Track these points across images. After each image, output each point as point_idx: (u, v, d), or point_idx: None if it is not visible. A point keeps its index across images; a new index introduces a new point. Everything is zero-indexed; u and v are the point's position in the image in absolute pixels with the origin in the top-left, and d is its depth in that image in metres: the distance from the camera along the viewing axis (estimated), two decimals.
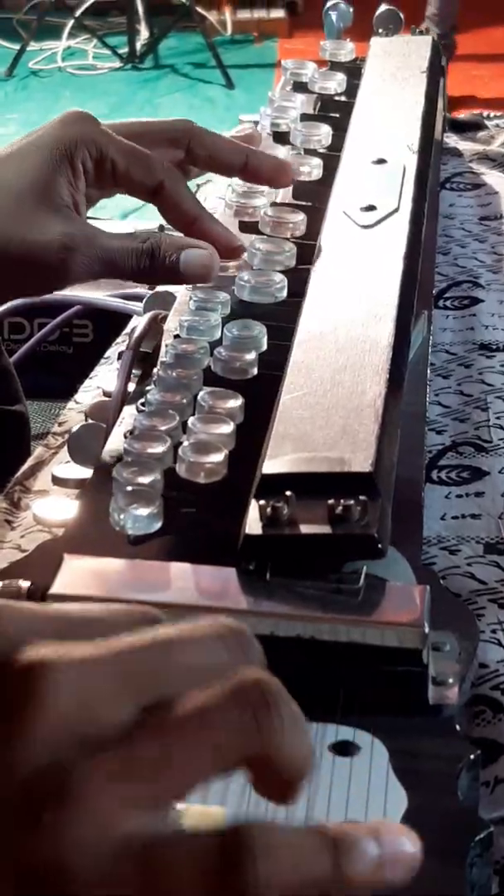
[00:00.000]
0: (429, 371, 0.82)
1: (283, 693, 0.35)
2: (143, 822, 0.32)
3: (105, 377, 0.80)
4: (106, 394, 0.72)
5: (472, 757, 0.50)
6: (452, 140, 1.22)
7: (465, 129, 1.24)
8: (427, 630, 0.52)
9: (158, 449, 0.60)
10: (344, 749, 0.50)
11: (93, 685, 0.33)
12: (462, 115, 1.27)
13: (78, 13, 4.10)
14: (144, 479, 0.57)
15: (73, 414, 0.82)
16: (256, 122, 0.94)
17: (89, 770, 0.32)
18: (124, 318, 0.96)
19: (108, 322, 0.99)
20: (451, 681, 0.53)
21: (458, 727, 0.52)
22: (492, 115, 1.26)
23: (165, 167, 0.73)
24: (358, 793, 0.48)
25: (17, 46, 4.06)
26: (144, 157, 0.73)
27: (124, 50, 4.10)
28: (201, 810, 0.45)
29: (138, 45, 4.10)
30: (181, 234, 0.74)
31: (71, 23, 4.11)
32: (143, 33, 4.13)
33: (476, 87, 3.47)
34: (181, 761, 0.33)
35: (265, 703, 0.34)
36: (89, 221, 0.71)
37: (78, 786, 0.31)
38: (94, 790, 0.32)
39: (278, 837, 0.34)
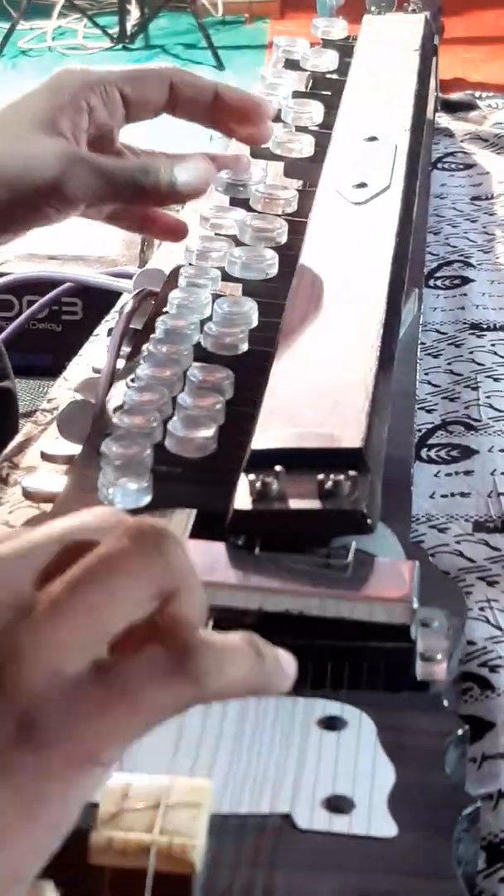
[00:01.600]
0: (419, 350, 0.82)
1: (172, 531, 0.39)
2: (88, 657, 0.37)
3: (94, 354, 0.79)
4: (95, 370, 0.72)
5: (459, 732, 0.50)
6: (444, 120, 1.22)
7: (458, 109, 1.24)
8: (415, 606, 0.52)
9: (148, 423, 0.59)
10: (332, 724, 0.50)
11: (3, 569, 0.38)
12: (454, 95, 1.27)
13: None
14: (133, 454, 0.57)
15: (62, 391, 0.81)
16: None
17: (28, 627, 0.36)
18: (113, 295, 0.96)
19: (98, 300, 0.99)
20: (439, 657, 0.53)
21: (445, 703, 0.52)
22: (484, 95, 1.25)
23: (169, 68, 0.74)
24: (345, 767, 0.48)
25: (6, 26, 4.04)
26: (145, 73, 0.73)
27: (115, 30, 4.08)
28: (189, 783, 0.45)
29: (129, 26, 4.08)
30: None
31: (61, 2, 4.09)
32: (134, 13, 4.11)
33: (466, 69, 3.46)
34: (102, 599, 0.37)
35: (158, 533, 0.39)
36: None
37: (21, 642, 0.36)
38: (35, 641, 0.36)
39: (213, 639, 0.39)
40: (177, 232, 0.74)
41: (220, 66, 3.82)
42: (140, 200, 0.71)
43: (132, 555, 0.38)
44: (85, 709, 0.36)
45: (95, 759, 0.37)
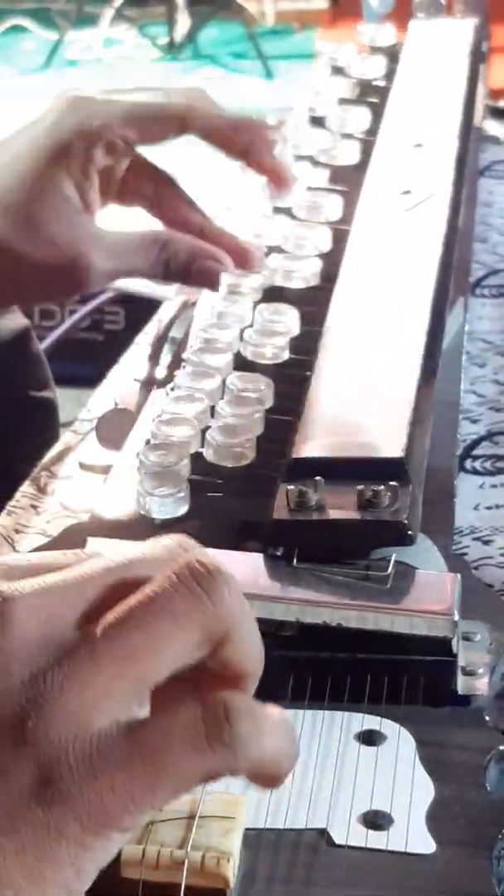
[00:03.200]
0: (464, 359, 0.81)
1: (224, 569, 0.37)
2: (120, 712, 0.34)
3: (135, 363, 0.79)
4: (135, 379, 0.71)
5: (501, 748, 0.49)
6: (493, 127, 1.21)
7: None
8: (457, 619, 0.51)
9: (185, 433, 0.59)
10: (370, 738, 0.49)
11: (51, 602, 0.35)
12: (503, 101, 1.26)
13: (117, 3, 4.10)
14: (171, 463, 0.56)
15: (102, 400, 0.81)
16: (291, 108, 0.93)
17: (59, 674, 0.34)
18: (156, 304, 0.95)
19: (140, 309, 0.99)
20: (480, 671, 0.52)
21: (487, 718, 0.51)
22: None
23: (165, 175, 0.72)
24: (384, 782, 0.47)
25: (55, 36, 4.06)
26: (155, 110, 0.70)
27: (164, 40, 4.09)
28: (223, 797, 0.44)
29: (178, 35, 4.10)
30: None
31: (111, 13, 4.11)
32: (183, 23, 4.12)
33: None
34: (141, 645, 0.34)
35: (206, 572, 0.36)
36: None
37: (51, 690, 0.34)
38: (65, 691, 0.34)
39: (255, 706, 0.36)
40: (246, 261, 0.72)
41: (269, 75, 3.82)
42: (161, 280, 0.71)
43: (178, 596, 0.35)
44: (108, 769, 0.33)
45: (113, 825, 0.34)
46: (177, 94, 0.74)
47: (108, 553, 0.37)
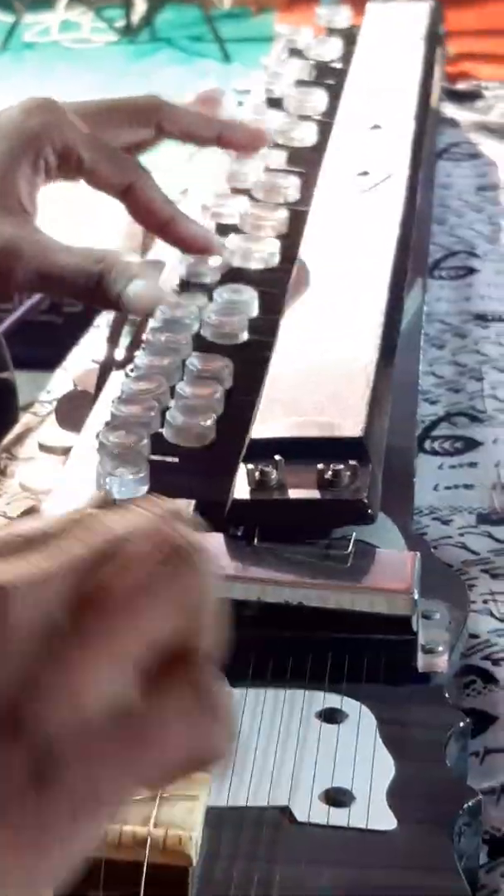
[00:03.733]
0: (423, 341, 0.81)
1: (202, 545, 0.36)
2: (111, 695, 0.34)
3: (93, 345, 0.79)
4: (94, 361, 0.71)
5: (461, 725, 0.50)
6: (450, 110, 1.21)
7: (464, 98, 1.23)
8: (417, 597, 0.52)
9: (145, 412, 0.59)
10: (331, 716, 0.49)
11: (44, 589, 0.34)
12: (460, 84, 1.26)
13: None
14: (130, 443, 0.56)
15: (62, 382, 0.81)
16: (248, 91, 0.93)
17: (49, 660, 0.33)
18: None
19: None
20: (440, 649, 0.53)
21: (447, 696, 0.51)
22: (490, 84, 1.24)
23: (136, 166, 0.70)
24: (345, 760, 0.47)
25: (10, 19, 4.03)
26: (114, 154, 0.69)
27: (121, 23, 4.07)
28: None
29: (135, 19, 4.08)
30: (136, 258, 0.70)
31: None
32: (140, 6, 4.10)
33: (472, 63, 3.45)
34: (127, 626, 0.34)
35: (185, 546, 0.35)
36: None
37: (48, 677, 0.33)
38: (56, 676, 0.33)
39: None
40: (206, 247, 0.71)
41: (226, 58, 3.81)
42: (81, 300, 0.69)
43: (162, 576, 0.34)
44: (102, 753, 0.33)
45: (105, 809, 0.33)
46: (140, 98, 0.75)
47: (99, 522, 0.36)
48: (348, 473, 0.54)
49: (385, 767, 0.47)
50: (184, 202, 0.80)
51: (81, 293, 0.67)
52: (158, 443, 0.58)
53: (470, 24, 3.67)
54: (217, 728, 0.35)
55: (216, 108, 0.83)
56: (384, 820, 0.45)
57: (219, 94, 0.84)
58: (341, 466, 0.54)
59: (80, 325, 0.89)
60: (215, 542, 0.54)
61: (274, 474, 0.54)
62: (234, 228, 0.75)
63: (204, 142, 0.77)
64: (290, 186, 0.78)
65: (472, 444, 0.76)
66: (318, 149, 0.83)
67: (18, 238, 0.66)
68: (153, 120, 0.74)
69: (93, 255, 0.67)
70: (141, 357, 0.63)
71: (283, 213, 0.75)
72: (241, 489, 0.54)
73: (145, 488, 0.56)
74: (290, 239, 0.73)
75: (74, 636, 0.34)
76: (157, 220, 0.71)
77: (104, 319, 0.87)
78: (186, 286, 0.70)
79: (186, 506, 0.56)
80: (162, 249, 0.86)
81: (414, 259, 0.78)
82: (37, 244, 0.66)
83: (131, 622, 0.34)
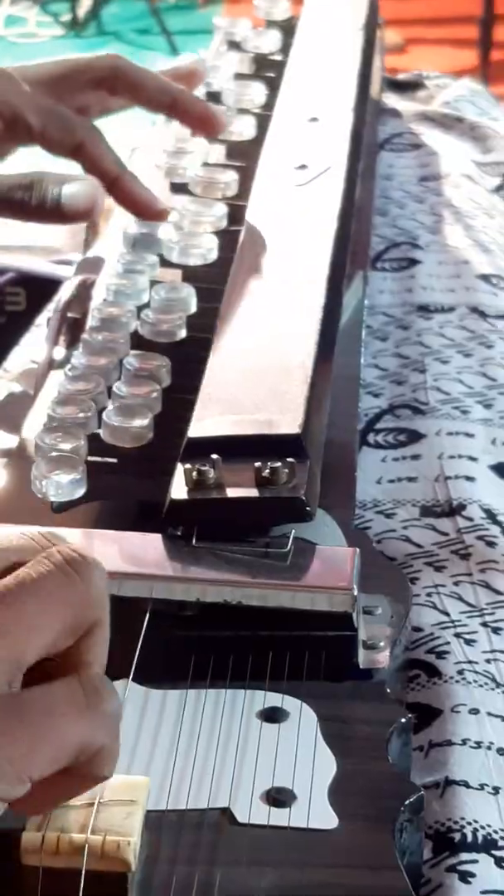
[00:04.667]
0: (365, 333, 0.81)
1: (94, 558, 0.39)
2: None
3: (34, 344, 0.78)
4: (34, 361, 0.71)
5: (402, 721, 0.50)
6: (392, 100, 1.21)
7: (405, 88, 1.23)
8: (357, 593, 0.52)
9: (82, 413, 0.58)
10: (272, 715, 0.49)
11: None
12: (401, 74, 1.26)
13: None
14: (67, 445, 0.56)
15: (2, 382, 0.80)
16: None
17: None
18: (58, 284, 0.94)
19: (42, 289, 0.97)
20: (382, 644, 0.53)
21: (388, 691, 0.51)
22: (431, 74, 1.24)
23: (85, 125, 0.71)
24: (286, 759, 0.47)
25: None
26: (62, 116, 0.70)
27: (67, 17, 4.04)
28: (123, 780, 0.44)
29: (81, 12, 4.05)
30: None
31: None
32: (86, 0, 4.08)
33: (408, 53, 3.45)
34: (12, 623, 0.36)
35: (80, 557, 0.38)
36: None
37: None
38: None
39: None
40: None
41: (173, 51, 3.80)
42: (24, 218, 0.69)
43: (50, 578, 0.37)
44: None
45: None
46: (97, 57, 0.75)
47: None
48: (286, 471, 0.54)
49: (326, 765, 0.47)
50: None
51: (17, 204, 0.67)
52: (96, 443, 0.58)
53: (418, 12, 3.68)
54: (103, 722, 0.36)
55: (196, 82, 0.83)
56: (326, 819, 0.45)
57: (202, 67, 0.84)
58: (279, 464, 0.53)
59: (21, 324, 0.89)
60: (154, 542, 0.53)
61: (212, 473, 0.54)
62: (172, 224, 0.74)
63: (157, 107, 0.77)
64: (229, 181, 0.77)
65: (415, 436, 0.76)
66: (257, 142, 0.83)
67: None
68: (109, 82, 0.75)
69: (17, 173, 0.68)
70: (78, 357, 0.63)
71: (222, 209, 0.75)
72: (179, 489, 0.54)
73: (83, 490, 0.56)
74: (229, 234, 0.73)
75: None
76: (106, 178, 0.71)
77: (44, 318, 0.86)
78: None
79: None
80: (104, 244, 0.85)
81: (354, 252, 0.78)
82: None
83: (21, 623, 0.35)
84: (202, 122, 0.78)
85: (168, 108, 0.76)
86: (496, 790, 0.52)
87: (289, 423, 0.56)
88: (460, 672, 0.58)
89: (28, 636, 0.36)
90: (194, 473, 0.54)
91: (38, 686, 0.36)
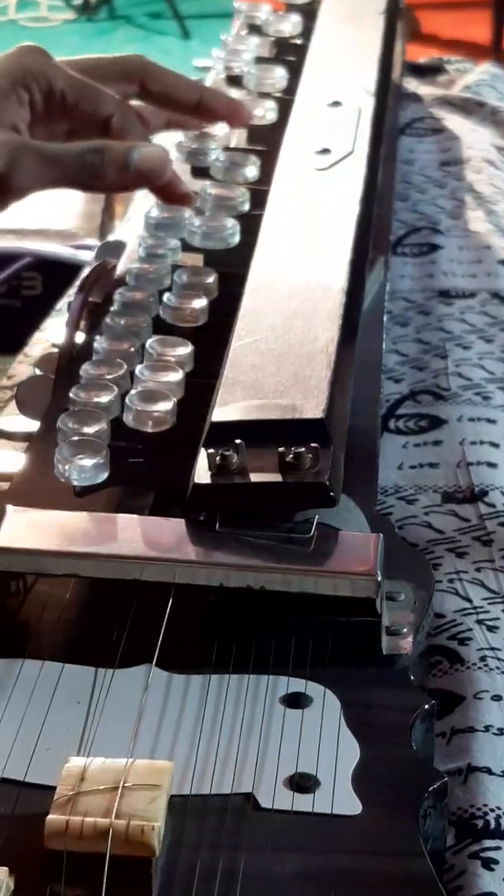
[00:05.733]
0: (386, 319, 0.81)
1: None
2: None
3: (55, 329, 0.78)
4: (55, 346, 0.70)
5: (426, 707, 0.49)
6: (412, 85, 1.20)
7: (425, 73, 1.22)
8: (380, 579, 0.51)
9: (105, 398, 0.58)
10: (296, 701, 0.49)
11: None
12: (422, 59, 1.25)
13: None
14: (90, 429, 0.56)
15: (23, 367, 0.80)
16: (209, 68, 0.92)
17: None
18: (75, 269, 0.94)
19: (58, 274, 0.97)
20: (405, 630, 0.52)
21: (412, 677, 0.51)
22: (452, 59, 1.24)
23: (116, 101, 0.72)
24: (309, 745, 0.47)
25: None
26: (94, 89, 0.71)
27: (79, 1, 4.03)
28: (147, 765, 0.44)
29: None
30: None
31: None
32: None
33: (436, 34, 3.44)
34: None
35: None
36: None
37: None
38: None
39: None
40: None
41: (185, 35, 3.78)
42: (94, 184, 0.69)
43: None
44: None
45: None
46: (123, 55, 0.76)
47: None
48: (310, 456, 0.53)
49: (350, 751, 0.47)
50: None
51: (86, 171, 0.67)
52: (118, 428, 0.57)
53: None
54: None
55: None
56: (349, 804, 0.45)
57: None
58: (302, 449, 0.53)
59: (38, 308, 0.88)
60: (177, 527, 0.53)
61: (235, 458, 0.53)
62: (194, 208, 0.74)
63: (183, 107, 0.77)
64: (250, 165, 0.77)
65: (436, 422, 0.75)
66: (279, 126, 0.82)
67: (10, 143, 0.67)
68: (136, 79, 0.75)
69: (85, 142, 0.69)
70: (100, 341, 0.63)
71: (244, 193, 0.74)
72: (202, 474, 0.54)
73: (106, 474, 0.55)
74: (251, 219, 0.73)
75: None
76: (181, 104, 0.74)
77: (64, 303, 0.86)
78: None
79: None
80: (123, 228, 0.85)
81: (376, 237, 0.78)
82: (28, 144, 0.68)
83: None
84: (229, 113, 0.78)
85: (194, 104, 0.77)
86: None
87: (312, 408, 0.56)
88: (482, 659, 0.58)
89: None
90: (217, 458, 0.53)
91: None
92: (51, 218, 1.08)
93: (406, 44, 1.19)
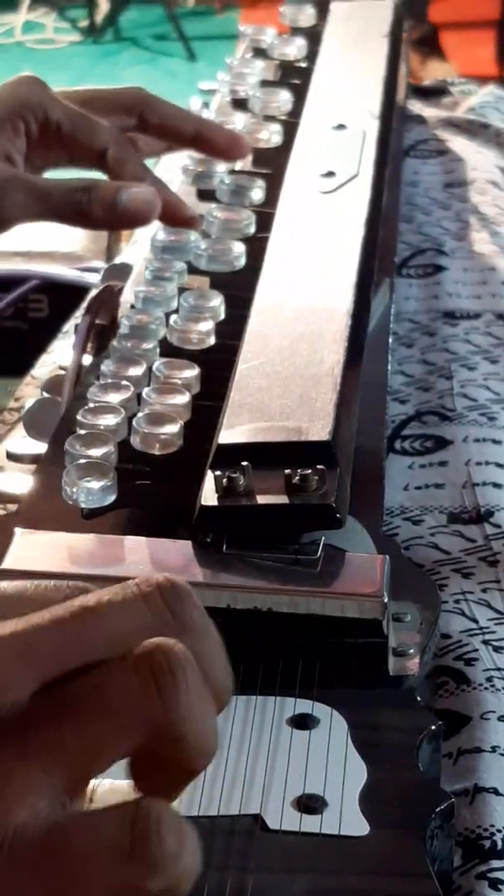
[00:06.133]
0: (391, 340, 0.81)
1: (190, 662, 0.33)
2: (43, 808, 0.31)
3: (61, 351, 0.78)
4: (62, 368, 0.71)
5: (433, 728, 0.50)
6: (417, 107, 1.21)
7: (430, 95, 1.23)
8: (387, 600, 0.52)
9: (112, 421, 0.58)
10: (303, 722, 0.49)
11: (11, 669, 0.31)
12: (426, 81, 1.26)
13: None
14: (97, 452, 0.56)
15: (30, 389, 0.80)
16: (214, 91, 0.93)
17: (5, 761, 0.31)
18: (81, 291, 0.95)
19: (65, 296, 0.98)
20: (411, 651, 0.53)
21: (418, 698, 0.51)
22: (456, 80, 1.24)
23: (113, 132, 0.72)
24: (317, 766, 0.47)
25: None
26: (90, 121, 0.72)
27: (84, 23, 4.06)
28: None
29: (98, 18, 4.06)
30: None
31: None
32: (103, 6, 4.09)
33: (454, 56, 3.45)
34: (76, 739, 0.31)
35: (166, 669, 0.32)
36: None
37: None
38: (9, 779, 0.30)
39: (182, 822, 0.32)
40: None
41: (191, 57, 3.80)
42: (80, 221, 0.69)
43: (128, 696, 0.31)
44: (14, 872, 0.30)
45: None
46: (124, 88, 0.77)
47: (95, 597, 0.33)
48: (316, 478, 0.54)
49: (357, 772, 0.47)
50: None
51: (74, 208, 0.68)
52: (126, 451, 0.58)
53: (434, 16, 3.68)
54: (142, 867, 0.31)
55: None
56: (357, 825, 0.45)
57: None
58: (309, 471, 0.54)
59: (45, 330, 0.89)
60: (184, 549, 0.54)
61: (242, 480, 0.54)
62: (200, 232, 0.74)
63: (181, 139, 0.77)
64: (256, 188, 0.78)
65: (442, 442, 0.76)
66: (284, 149, 0.83)
67: (8, 172, 0.68)
68: (136, 111, 0.76)
69: (75, 179, 0.69)
70: (107, 364, 0.63)
71: (249, 216, 0.75)
72: (209, 496, 0.54)
73: (113, 497, 0.56)
74: (257, 241, 0.73)
75: (17, 741, 0.31)
76: (181, 137, 0.74)
77: (71, 325, 0.86)
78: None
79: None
80: (129, 250, 0.86)
81: (381, 258, 0.78)
82: (18, 174, 0.69)
83: (87, 744, 0.31)
84: (228, 146, 0.78)
85: (193, 136, 0.77)
86: None
87: (318, 430, 0.56)
88: (489, 679, 0.58)
89: (92, 758, 0.31)
90: (224, 480, 0.54)
91: (83, 818, 0.31)
92: (57, 240, 1.09)
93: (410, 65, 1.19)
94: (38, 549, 0.53)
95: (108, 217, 0.68)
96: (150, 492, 0.57)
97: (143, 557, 0.53)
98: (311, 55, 0.97)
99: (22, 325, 0.99)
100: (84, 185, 0.68)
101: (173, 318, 0.66)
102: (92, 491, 0.55)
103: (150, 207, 0.69)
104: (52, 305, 0.99)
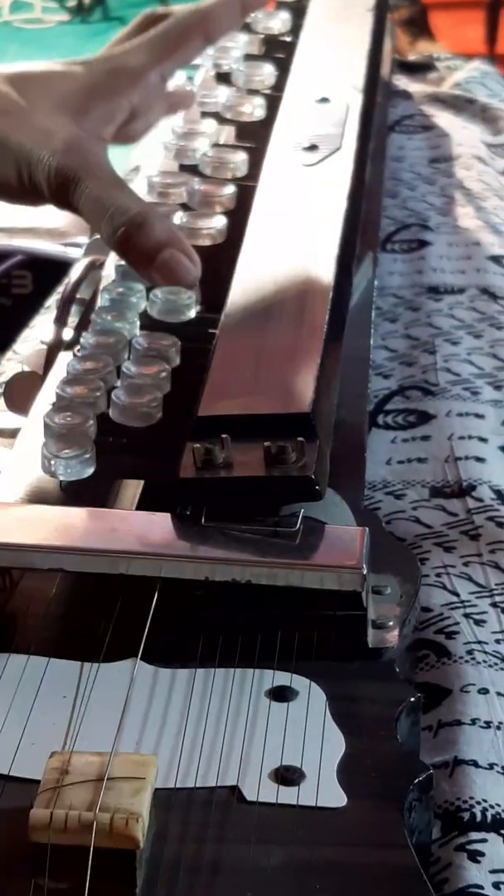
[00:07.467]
0: (375, 315, 0.81)
1: None
2: None
3: (43, 326, 0.78)
4: (44, 343, 0.70)
5: (411, 700, 0.49)
6: (402, 82, 1.20)
7: (415, 70, 1.22)
8: (366, 572, 0.51)
9: (91, 393, 0.58)
10: (281, 694, 0.49)
11: None
12: (412, 56, 1.25)
13: None
14: (75, 424, 0.56)
15: (12, 364, 0.80)
16: (198, 65, 0.92)
17: None
18: (65, 267, 0.94)
19: (49, 272, 0.97)
20: (391, 624, 0.52)
21: (398, 670, 0.51)
22: (442, 56, 1.24)
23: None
24: (294, 738, 0.47)
25: None
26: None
27: (72, 2, 4.03)
28: (132, 758, 0.44)
29: None
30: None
31: None
32: None
33: (443, 36, 3.44)
34: None
35: None
36: None
37: None
38: None
39: None
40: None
41: None
42: (104, 237, 0.68)
43: None
44: None
45: None
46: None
47: None
48: (295, 450, 0.53)
49: (335, 744, 0.47)
50: (135, 180, 0.79)
51: (101, 227, 0.67)
52: (105, 423, 0.57)
53: None
54: None
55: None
56: (334, 797, 0.45)
57: (187, 93, 0.84)
58: (288, 443, 0.53)
59: (28, 306, 0.88)
60: (162, 521, 0.53)
61: (220, 452, 0.54)
62: (182, 205, 0.74)
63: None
64: (238, 161, 0.77)
65: (425, 417, 0.76)
66: (267, 123, 0.83)
67: (77, 136, 0.69)
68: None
69: (129, 200, 0.67)
70: (87, 337, 0.63)
71: (231, 189, 0.74)
72: (188, 468, 0.54)
73: (91, 469, 0.55)
74: (238, 215, 0.73)
75: None
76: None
77: (54, 300, 0.86)
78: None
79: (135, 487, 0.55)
80: None
81: (365, 233, 0.78)
82: (93, 152, 0.69)
83: None
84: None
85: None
86: None
87: (298, 402, 0.56)
88: (469, 652, 0.58)
89: None
90: (203, 452, 0.53)
91: None
92: (41, 216, 1.08)
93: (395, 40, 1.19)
94: (15, 522, 0.53)
95: (136, 257, 0.66)
96: (129, 464, 0.57)
97: (121, 530, 0.53)
98: (296, 29, 0.96)
99: (6, 301, 0.99)
100: (132, 218, 0.65)
101: (153, 290, 0.66)
102: (70, 463, 0.55)
103: (181, 280, 0.65)
104: (35, 281, 0.98)
